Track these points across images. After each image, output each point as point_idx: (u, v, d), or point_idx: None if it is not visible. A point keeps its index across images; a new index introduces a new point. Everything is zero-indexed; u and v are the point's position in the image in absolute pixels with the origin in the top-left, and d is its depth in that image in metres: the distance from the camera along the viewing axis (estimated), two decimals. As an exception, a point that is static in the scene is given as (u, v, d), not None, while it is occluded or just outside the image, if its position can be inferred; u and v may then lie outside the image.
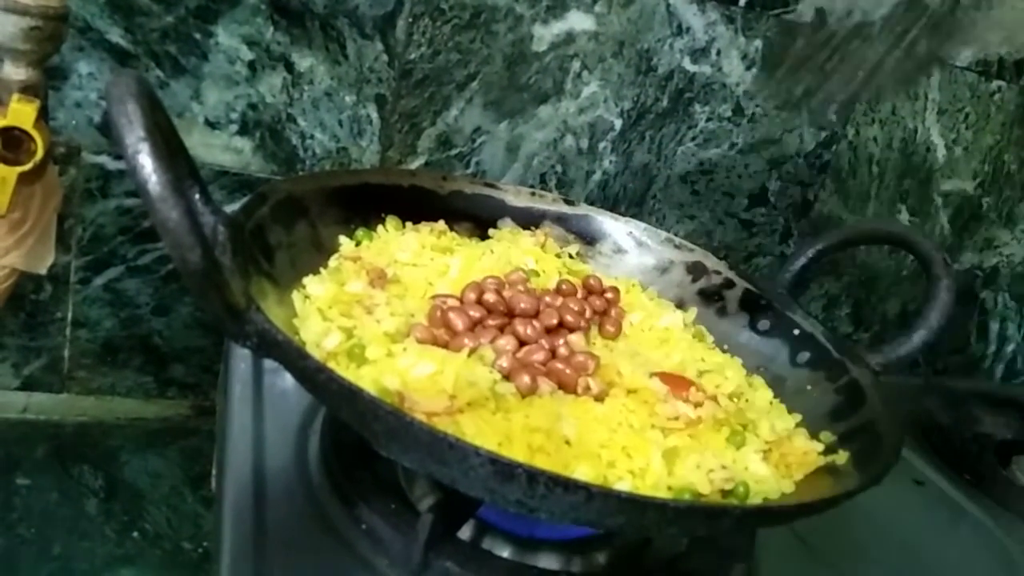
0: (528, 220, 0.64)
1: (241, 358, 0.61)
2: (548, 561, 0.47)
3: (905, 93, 0.91)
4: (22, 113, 0.51)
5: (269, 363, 0.60)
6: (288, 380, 0.59)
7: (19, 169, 0.52)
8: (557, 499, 0.32)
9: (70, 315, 0.75)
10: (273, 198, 0.49)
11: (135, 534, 0.69)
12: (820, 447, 0.47)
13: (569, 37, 0.76)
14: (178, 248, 0.32)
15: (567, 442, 0.40)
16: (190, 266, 0.33)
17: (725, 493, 0.42)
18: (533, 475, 0.32)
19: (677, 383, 0.47)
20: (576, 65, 0.78)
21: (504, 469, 0.32)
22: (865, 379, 0.51)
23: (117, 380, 0.79)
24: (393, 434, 0.34)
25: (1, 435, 0.75)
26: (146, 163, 0.32)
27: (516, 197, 0.64)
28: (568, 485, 0.32)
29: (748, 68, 0.83)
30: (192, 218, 0.33)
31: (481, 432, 0.38)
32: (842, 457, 0.45)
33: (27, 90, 0.52)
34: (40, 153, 0.52)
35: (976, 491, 0.71)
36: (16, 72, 0.52)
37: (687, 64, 0.81)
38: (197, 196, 0.41)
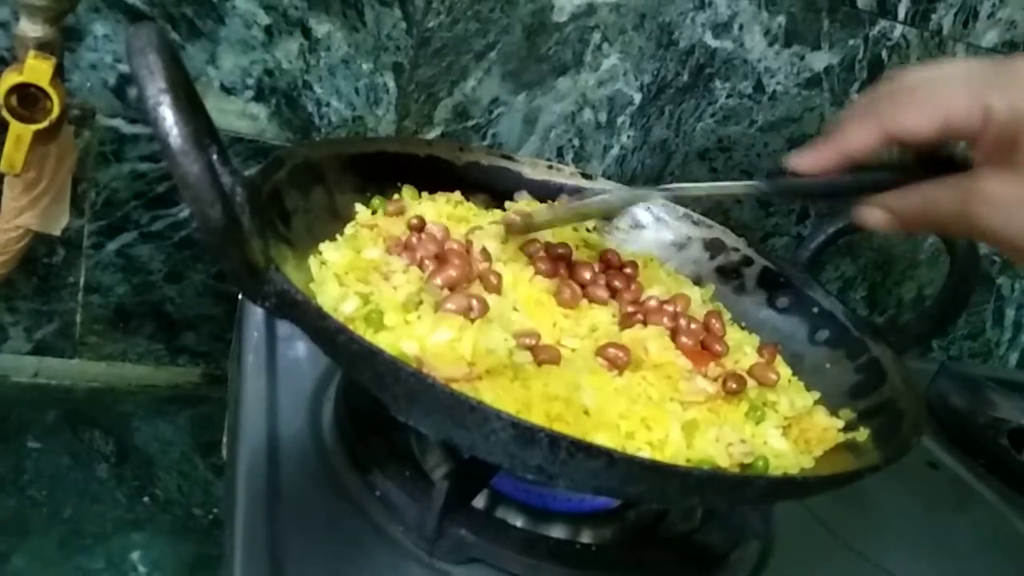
0: (545, 193, 0.63)
1: (254, 326, 0.61)
2: (561, 532, 0.46)
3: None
4: (38, 70, 0.50)
5: (282, 332, 0.61)
6: (300, 349, 0.59)
7: (35, 127, 0.52)
8: (578, 465, 0.32)
9: (82, 280, 0.74)
10: (290, 162, 0.49)
11: (146, 499, 0.69)
12: (840, 424, 0.46)
13: (590, 8, 0.75)
14: (199, 203, 0.32)
15: (585, 412, 0.40)
16: (210, 222, 0.32)
17: (744, 467, 0.41)
18: (555, 440, 0.31)
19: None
20: (596, 37, 0.77)
21: (525, 433, 0.31)
22: (886, 357, 0.51)
23: (128, 346, 0.79)
24: (413, 397, 0.34)
25: (12, 399, 0.75)
26: (167, 115, 0.31)
27: (533, 170, 0.64)
28: (590, 450, 0.31)
29: (771, 44, 0.82)
30: (213, 173, 0.32)
31: (499, 399, 0.38)
32: (862, 434, 0.45)
33: (43, 47, 0.52)
34: (56, 111, 0.52)
35: (990, 476, 0.70)
36: (32, 28, 0.51)
37: (709, 39, 0.80)
38: (215, 156, 0.41)
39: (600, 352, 0.44)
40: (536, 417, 0.38)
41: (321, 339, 0.37)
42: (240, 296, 0.66)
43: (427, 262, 0.47)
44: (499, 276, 0.47)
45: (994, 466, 0.71)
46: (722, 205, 0.89)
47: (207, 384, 0.82)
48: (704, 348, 0.49)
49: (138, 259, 0.75)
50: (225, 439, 0.68)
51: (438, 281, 0.45)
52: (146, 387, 0.80)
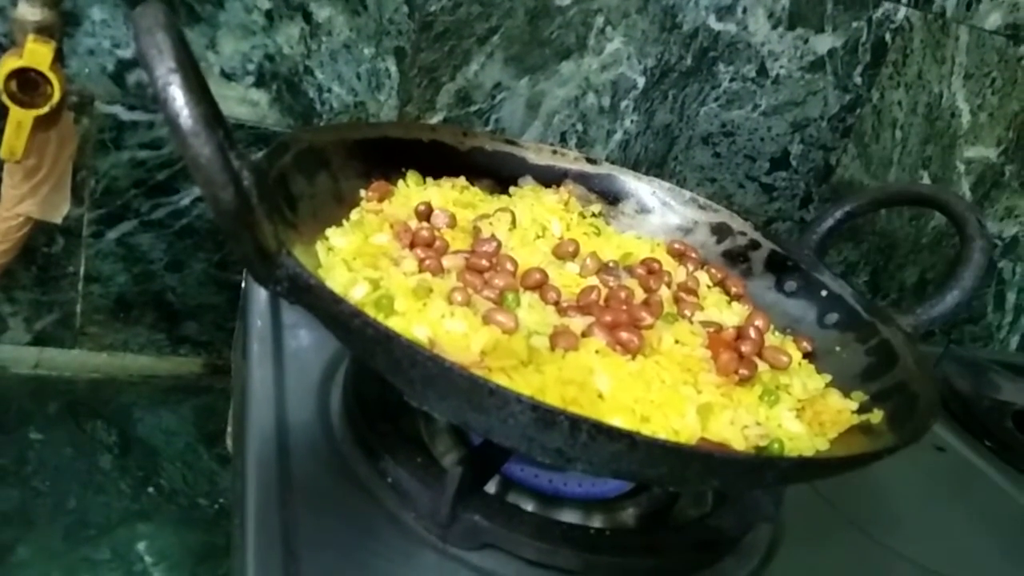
0: (550, 178, 0.63)
1: (258, 315, 0.60)
2: (574, 517, 0.46)
3: (932, 56, 0.89)
4: (38, 54, 0.50)
5: (287, 319, 0.60)
6: (305, 337, 0.59)
7: (35, 112, 0.51)
8: (599, 448, 0.31)
9: (82, 269, 0.74)
10: (295, 148, 0.48)
11: (150, 490, 0.69)
12: (854, 406, 0.46)
13: (593, -9, 0.74)
14: (211, 186, 0.31)
15: (600, 396, 0.40)
16: (223, 205, 0.32)
17: (759, 450, 0.41)
18: (576, 422, 0.31)
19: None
20: (600, 20, 0.76)
21: (546, 416, 0.31)
22: (896, 339, 0.51)
23: (130, 336, 0.78)
24: (430, 381, 0.33)
25: (13, 390, 0.75)
26: (177, 96, 0.30)
27: (537, 155, 0.63)
28: (612, 433, 0.31)
29: (774, 27, 0.81)
30: (224, 155, 0.32)
31: (514, 383, 0.38)
32: (876, 416, 0.44)
33: (43, 31, 0.51)
34: (56, 97, 0.51)
35: (995, 457, 0.71)
36: (31, 12, 0.50)
37: (712, 22, 0.79)
38: (223, 138, 0.40)
39: (614, 335, 0.44)
40: (551, 401, 0.37)
41: (335, 324, 0.36)
42: (243, 285, 0.65)
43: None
44: (515, 263, 0.47)
45: (999, 448, 0.72)
46: (725, 190, 0.89)
47: (209, 374, 0.82)
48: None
49: (138, 248, 0.74)
50: (230, 429, 0.68)
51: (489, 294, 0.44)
52: (148, 377, 0.80)
